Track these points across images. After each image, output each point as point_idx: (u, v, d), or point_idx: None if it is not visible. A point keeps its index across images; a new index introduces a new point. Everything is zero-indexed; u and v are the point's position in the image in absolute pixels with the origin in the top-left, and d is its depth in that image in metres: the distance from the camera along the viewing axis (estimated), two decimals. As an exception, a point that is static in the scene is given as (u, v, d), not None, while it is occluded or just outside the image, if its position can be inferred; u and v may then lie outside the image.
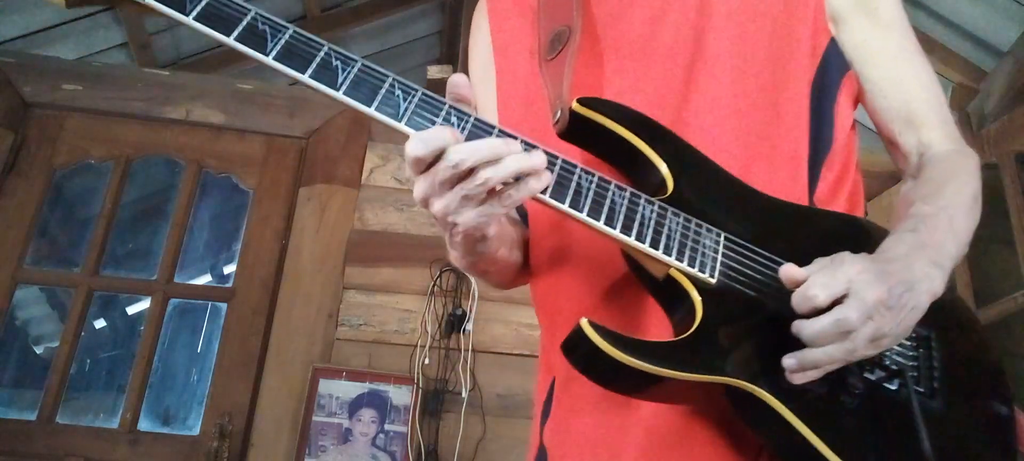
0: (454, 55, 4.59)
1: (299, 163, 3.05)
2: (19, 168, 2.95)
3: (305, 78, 0.78)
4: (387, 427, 2.63)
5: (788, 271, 0.80)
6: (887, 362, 0.84)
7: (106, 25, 3.76)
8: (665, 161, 0.87)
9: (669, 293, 0.84)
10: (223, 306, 2.89)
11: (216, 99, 3.10)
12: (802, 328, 0.76)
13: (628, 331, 0.80)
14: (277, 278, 2.85)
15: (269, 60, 0.78)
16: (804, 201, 0.93)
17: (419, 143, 0.75)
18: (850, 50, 1.01)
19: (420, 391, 2.66)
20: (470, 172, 0.75)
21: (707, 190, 0.88)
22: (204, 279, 4.24)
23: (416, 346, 2.74)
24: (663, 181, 0.86)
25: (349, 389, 2.66)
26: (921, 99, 1.01)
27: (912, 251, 0.84)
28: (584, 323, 0.76)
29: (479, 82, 1.12)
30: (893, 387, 0.84)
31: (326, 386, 2.65)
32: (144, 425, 2.73)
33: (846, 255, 0.80)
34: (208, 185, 3.19)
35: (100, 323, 4.60)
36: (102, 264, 2.94)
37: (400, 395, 2.67)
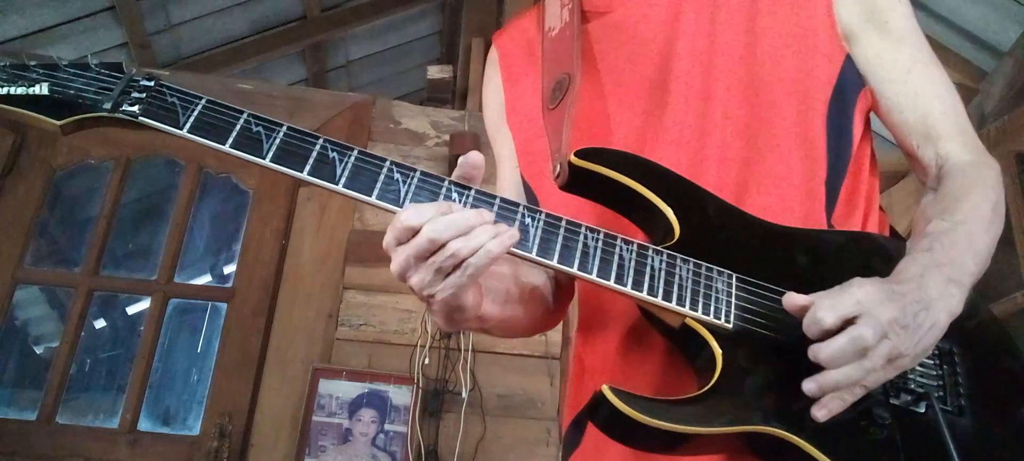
0: (454, 55, 4.59)
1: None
2: (19, 168, 2.95)
3: (304, 176, 0.80)
4: (387, 427, 2.63)
5: (790, 300, 0.79)
6: (911, 385, 0.82)
7: (106, 25, 3.76)
8: (670, 205, 0.86)
9: (687, 341, 0.83)
10: (223, 306, 2.89)
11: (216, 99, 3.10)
12: (819, 350, 0.75)
13: (655, 381, 0.81)
14: (277, 278, 2.85)
15: (266, 162, 0.80)
16: (822, 221, 0.92)
17: (411, 216, 0.75)
18: (864, 66, 0.99)
19: (420, 391, 2.66)
20: (442, 246, 0.75)
21: (716, 230, 0.86)
22: (204, 279, 4.24)
23: (416, 346, 2.74)
24: (670, 227, 0.85)
25: (349, 389, 2.66)
26: (937, 111, 0.99)
27: (927, 270, 0.82)
28: (606, 389, 0.75)
29: (495, 131, 1.13)
30: (920, 410, 0.82)
31: (326, 386, 2.65)
32: (144, 425, 2.73)
33: (855, 279, 0.79)
34: (208, 185, 3.19)
35: (100, 323, 4.60)
36: (102, 264, 2.94)
37: (400, 395, 2.66)
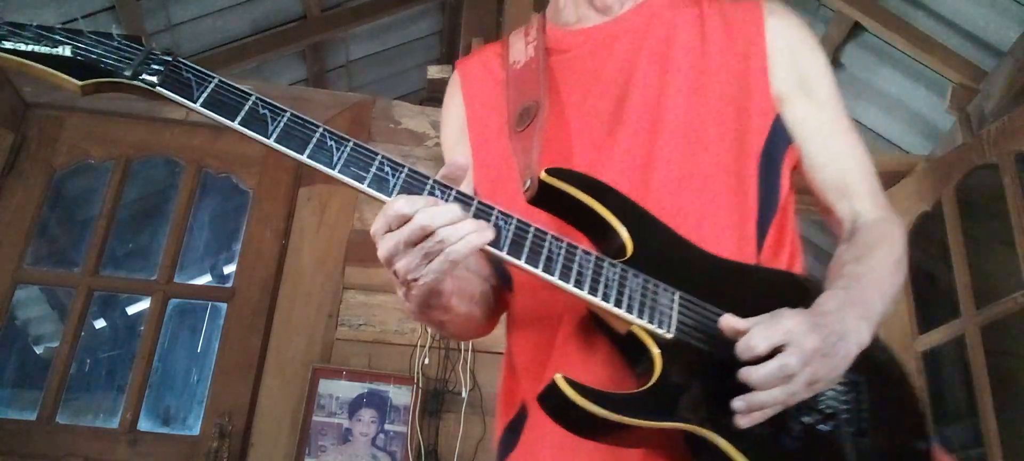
0: (454, 55, 4.59)
1: (299, 163, 3.04)
2: (19, 168, 2.95)
3: (303, 158, 0.87)
4: (387, 427, 2.63)
5: (727, 321, 0.89)
6: (822, 405, 0.94)
7: (106, 25, 3.75)
8: (626, 226, 0.95)
9: (631, 347, 0.92)
10: (223, 306, 2.89)
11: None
12: (750, 374, 0.85)
13: (586, 379, 0.88)
14: (277, 278, 2.85)
15: (270, 142, 0.86)
16: (752, 259, 1.03)
17: (404, 204, 0.84)
18: (792, 125, 1.11)
19: (420, 391, 2.66)
20: (432, 233, 0.83)
21: (663, 253, 0.97)
22: (204, 279, 4.24)
23: (416, 346, 2.74)
24: (623, 245, 0.95)
25: (349, 389, 2.66)
26: (854, 172, 1.12)
27: (844, 306, 0.93)
28: (558, 378, 0.84)
29: (452, 147, 1.23)
30: (828, 428, 0.94)
31: (326, 386, 2.65)
32: (144, 425, 2.73)
33: (785, 310, 0.89)
34: (208, 185, 3.19)
35: (100, 323, 4.60)
36: (102, 264, 2.94)
37: (400, 395, 2.67)
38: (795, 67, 1.13)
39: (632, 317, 0.90)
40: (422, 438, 2.62)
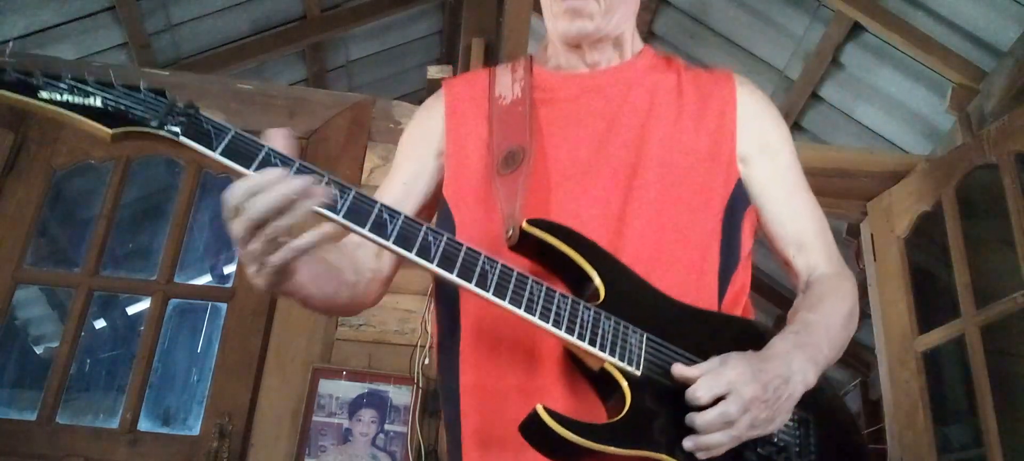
0: (454, 55, 4.59)
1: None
2: (19, 168, 2.95)
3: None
4: (387, 427, 2.63)
5: (678, 370, 1.01)
6: (775, 439, 1.05)
7: (106, 25, 3.76)
8: (599, 274, 1.05)
9: (603, 382, 1.02)
10: (223, 306, 2.89)
11: (216, 99, 3.10)
12: (694, 420, 0.97)
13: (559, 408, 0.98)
14: (277, 278, 2.85)
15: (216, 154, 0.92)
16: (714, 306, 1.14)
17: (246, 185, 0.88)
18: (755, 185, 1.23)
19: (420, 391, 2.66)
20: (278, 213, 0.88)
21: (633, 298, 1.06)
22: (204, 279, 4.24)
23: (416, 346, 2.74)
24: (597, 290, 1.05)
25: (349, 389, 2.66)
26: (810, 230, 1.24)
27: (793, 349, 1.05)
28: (539, 409, 0.93)
29: (413, 148, 1.29)
30: (781, 459, 1.05)
31: (326, 386, 2.65)
32: (144, 425, 2.73)
33: (731, 357, 1.01)
34: (208, 185, 3.18)
35: (100, 323, 4.60)
36: (102, 264, 2.93)
37: (400, 395, 2.67)
38: (761, 133, 1.25)
39: (605, 355, 1.00)
40: (422, 438, 2.62)
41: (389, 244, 0.95)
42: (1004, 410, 2.61)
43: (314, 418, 2.61)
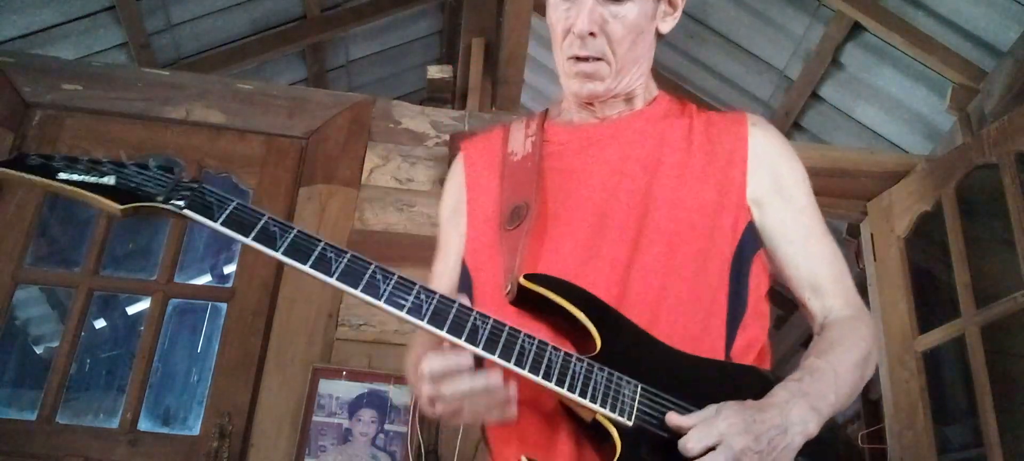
0: (454, 55, 4.59)
1: (299, 163, 3.04)
2: (19, 168, 2.95)
3: (306, 269, 1.01)
4: (387, 427, 2.63)
5: (671, 418, 1.02)
6: None
7: (106, 25, 3.76)
8: (595, 326, 1.08)
9: (596, 433, 1.05)
10: (223, 306, 2.89)
11: (216, 99, 3.10)
12: None
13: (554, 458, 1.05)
14: (277, 278, 2.85)
15: (278, 255, 1.00)
16: (722, 355, 1.14)
17: (440, 364, 1.01)
18: (769, 228, 1.23)
19: (420, 391, 2.66)
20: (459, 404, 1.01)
21: (630, 349, 1.08)
22: (204, 279, 4.24)
23: (416, 346, 2.74)
24: (594, 341, 1.07)
25: (349, 389, 2.66)
26: (825, 273, 1.22)
27: (792, 397, 1.04)
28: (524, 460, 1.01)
29: (448, 220, 1.35)
30: None
31: (326, 386, 2.65)
32: (144, 425, 2.73)
33: (727, 406, 1.01)
34: (208, 185, 3.18)
35: (100, 323, 4.61)
36: (102, 264, 2.93)
37: (400, 395, 2.67)
38: (774, 175, 1.24)
39: (595, 406, 1.02)
40: (422, 438, 2.62)
41: (380, 303, 1.01)
42: (1004, 410, 2.61)
43: (314, 418, 2.61)
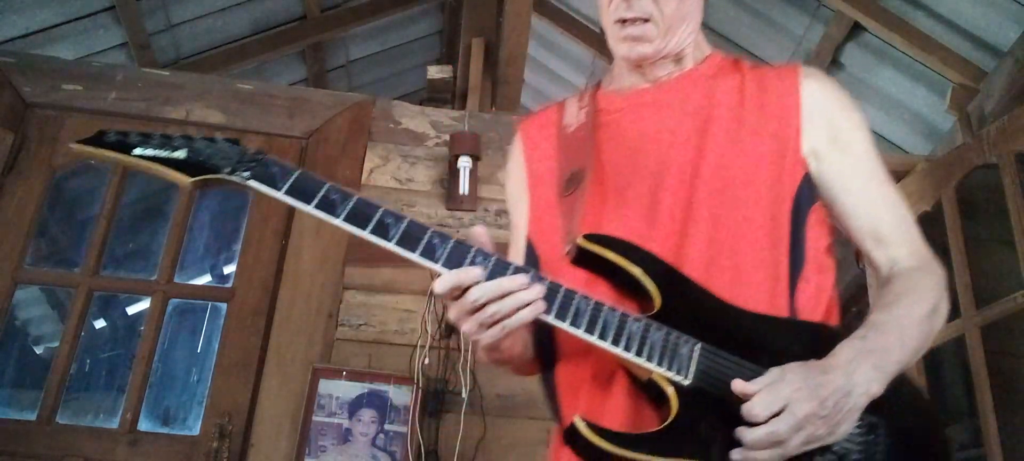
0: (454, 55, 4.59)
1: (299, 163, 3.04)
2: (19, 168, 2.95)
3: (366, 234, 1.02)
4: (387, 427, 2.63)
5: (737, 385, 1.00)
6: (837, 447, 1.01)
7: (106, 25, 3.76)
8: (654, 283, 1.07)
9: (653, 392, 1.04)
10: (223, 306, 2.89)
11: (216, 99, 3.10)
12: (743, 435, 0.97)
13: (620, 420, 1.04)
14: (277, 278, 2.85)
15: (339, 221, 1.02)
16: (785, 312, 1.11)
17: (443, 282, 1.00)
18: (826, 179, 1.20)
19: (420, 391, 2.66)
20: (484, 305, 0.99)
21: (690, 307, 1.07)
22: (204, 279, 4.24)
23: (416, 346, 2.74)
24: (652, 299, 1.06)
25: (349, 389, 2.66)
26: (888, 221, 1.19)
27: (856, 356, 1.01)
28: (577, 420, 0.98)
29: (514, 204, 1.36)
30: None
31: (326, 386, 2.65)
32: (144, 425, 2.73)
33: (791, 369, 0.99)
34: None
35: (100, 323, 4.60)
36: (102, 264, 2.93)
37: (400, 395, 2.67)
38: (829, 125, 1.20)
39: (651, 365, 1.02)
40: (422, 438, 2.62)
41: (436, 266, 1.01)
42: (1004, 410, 2.61)
43: (314, 418, 2.61)
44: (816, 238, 1.18)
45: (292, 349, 2.73)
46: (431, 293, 2.80)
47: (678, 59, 1.29)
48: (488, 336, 1.01)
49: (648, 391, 1.05)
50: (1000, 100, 3.01)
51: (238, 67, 4.33)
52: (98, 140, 1.10)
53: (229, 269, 3.71)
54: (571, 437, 0.98)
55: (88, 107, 3.05)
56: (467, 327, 1.01)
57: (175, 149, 1.07)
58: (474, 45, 3.72)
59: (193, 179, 1.06)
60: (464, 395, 2.68)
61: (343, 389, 2.66)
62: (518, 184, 1.35)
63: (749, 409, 0.97)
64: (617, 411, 1.07)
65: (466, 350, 2.75)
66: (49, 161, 2.98)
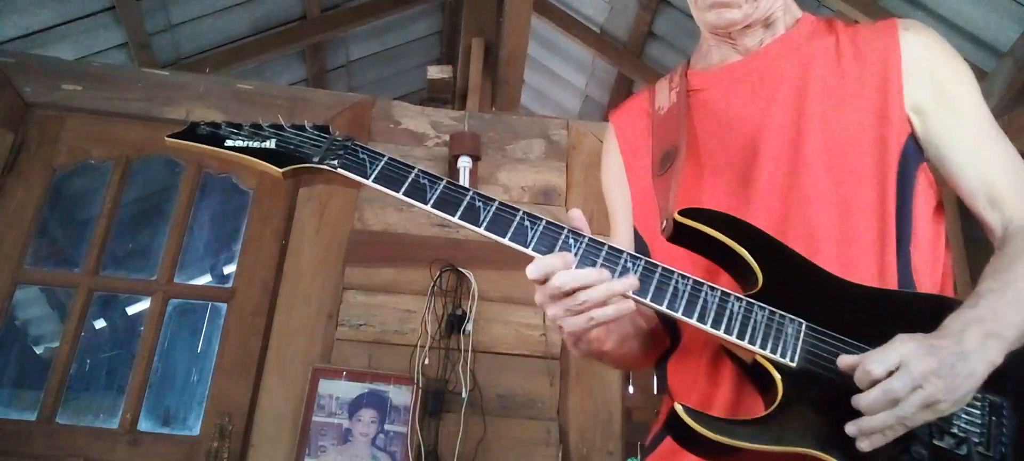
0: (454, 55, 4.59)
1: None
2: (19, 168, 2.95)
3: (455, 219, 1.00)
4: (387, 427, 2.63)
5: (843, 360, 0.93)
6: (954, 429, 0.92)
7: (106, 25, 3.76)
8: (756, 259, 1.01)
9: (757, 375, 0.98)
10: (223, 306, 2.89)
11: (216, 99, 3.10)
12: (859, 399, 0.89)
13: (728, 402, 1.01)
14: (277, 278, 2.85)
15: (428, 207, 1.00)
16: (894, 283, 1.04)
17: (534, 268, 0.96)
18: (932, 137, 1.12)
19: (420, 391, 2.66)
20: (572, 292, 0.94)
21: (795, 283, 1.01)
22: (204, 279, 4.24)
23: (416, 346, 2.74)
24: (755, 275, 1.01)
25: (349, 389, 2.66)
26: (1002, 180, 1.09)
27: (968, 325, 0.92)
28: (678, 408, 0.92)
29: (610, 191, 1.33)
30: (962, 452, 0.92)
31: (326, 386, 2.65)
32: (144, 425, 2.73)
33: (899, 337, 0.91)
34: (208, 185, 3.18)
35: (100, 323, 4.60)
36: (102, 264, 2.94)
37: (400, 395, 2.67)
38: (933, 79, 1.13)
39: (755, 348, 0.96)
40: (422, 438, 2.62)
41: (528, 251, 0.98)
42: (1004, 410, 2.61)
43: (314, 418, 2.61)
44: (925, 201, 1.11)
45: (292, 349, 2.73)
46: (432, 292, 2.81)
47: (768, 24, 1.22)
48: (573, 324, 0.96)
49: (753, 375, 0.99)
50: (1000, 100, 3.01)
51: (238, 67, 4.33)
52: (192, 133, 1.09)
53: (229, 269, 3.71)
54: (672, 425, 0.93)
55: (88, 107, 3.05)
56: (552, 311, 0.97)
57: (264, 139, 1.07)
58: (474, 45, 3.72)
59: (283, 170, 1.05)
60: (464, 395, 2.68)
61: (343, 389, 2.66)
62: (616, 176, 1.31)
63: (864, 365, 0.89)
64: (725, 398, 1.03)
65: (466, 350, 2.75)
66: (49, 161, 2.99)
